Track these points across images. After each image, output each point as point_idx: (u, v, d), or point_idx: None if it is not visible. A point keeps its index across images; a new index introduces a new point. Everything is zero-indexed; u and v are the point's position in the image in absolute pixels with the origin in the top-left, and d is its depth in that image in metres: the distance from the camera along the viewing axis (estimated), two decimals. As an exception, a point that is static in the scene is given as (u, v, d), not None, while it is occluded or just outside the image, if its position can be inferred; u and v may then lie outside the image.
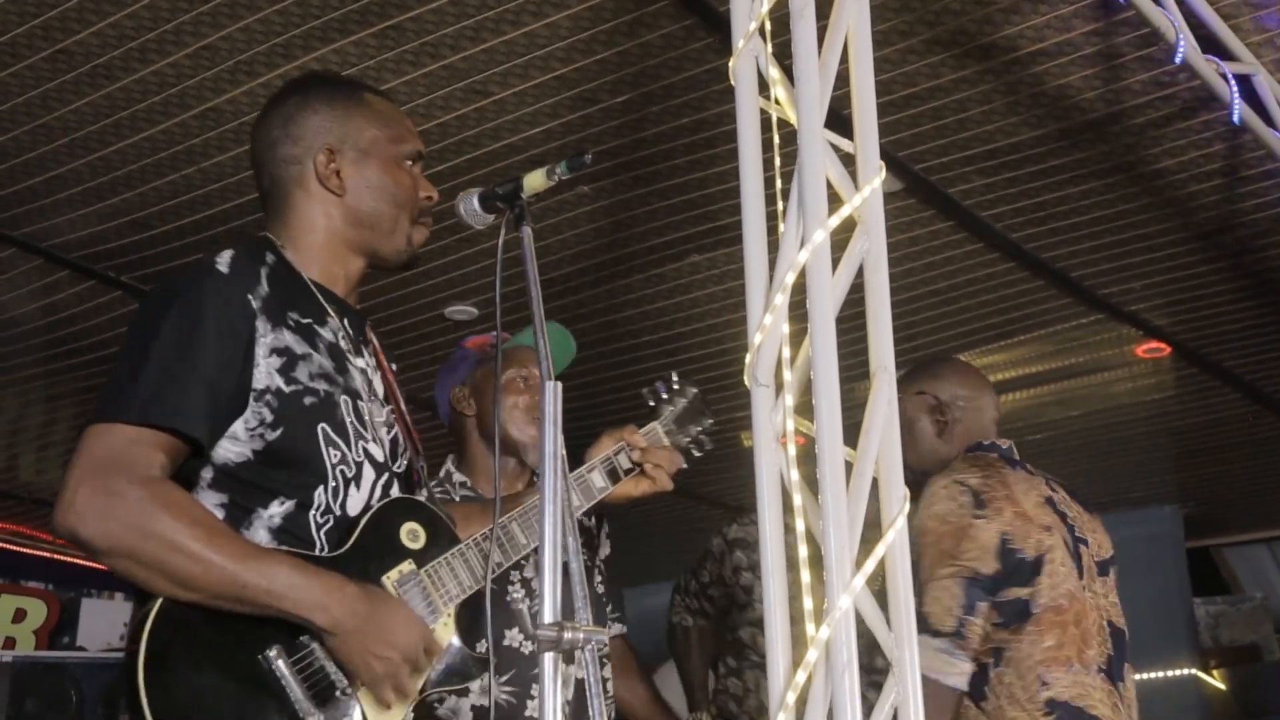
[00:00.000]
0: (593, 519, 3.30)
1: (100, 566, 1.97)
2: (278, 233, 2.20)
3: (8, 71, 3.66)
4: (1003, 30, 3.54)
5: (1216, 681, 8.05)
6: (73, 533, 1.88)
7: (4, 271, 4.73)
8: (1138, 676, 3.23)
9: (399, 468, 2.21)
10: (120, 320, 5.10)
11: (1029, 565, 2.92)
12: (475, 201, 2.15)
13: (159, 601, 1.90)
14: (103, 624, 7.58)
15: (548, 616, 1.79)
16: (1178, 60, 3.29)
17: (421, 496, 2.25)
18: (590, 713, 1.82)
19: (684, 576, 4.31)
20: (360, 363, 2.19)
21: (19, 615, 7.65)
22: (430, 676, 2.10)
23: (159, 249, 4.59)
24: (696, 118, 3.89)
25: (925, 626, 2.81)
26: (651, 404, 2.77)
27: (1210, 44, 3.46)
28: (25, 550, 7.74)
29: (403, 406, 2.26)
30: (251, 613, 1.92)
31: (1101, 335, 5.41)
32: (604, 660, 3.31)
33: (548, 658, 1.78)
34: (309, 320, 2.11)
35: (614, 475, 2.52)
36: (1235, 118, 3.54)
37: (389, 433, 2.20)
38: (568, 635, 1.78)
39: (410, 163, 2.27)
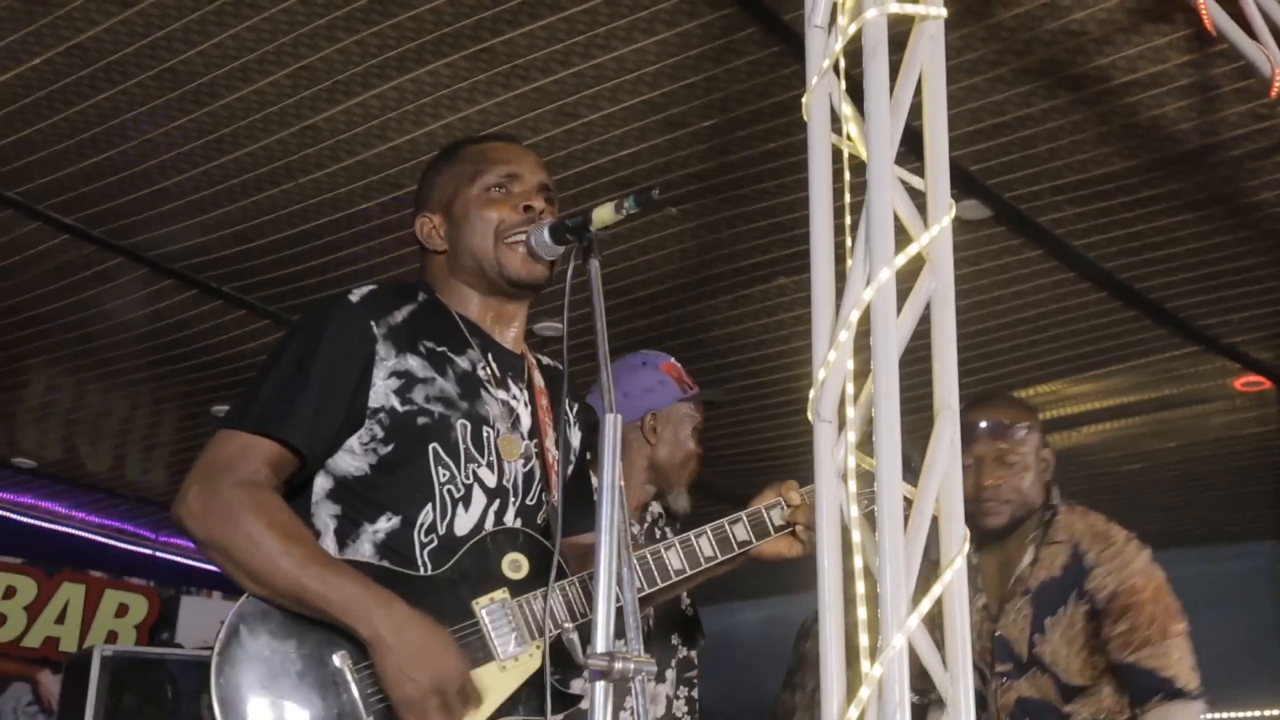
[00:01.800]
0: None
1: (200, 565, 2.12)
2: (428, 280, 2.37)
3: (118, 89, 3.79)
4: (1094, 61, 3.51)
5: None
6: (181, 523, 2.09)
7: (112, 279, 4.89)
8: (1230, 715, 3.22)
9: (530, 500, 2.27)
10: (222, 327, 5.25)
11: None
12: (546, 234, 2.20)
13: (244, 598, 2.05)
14: (201, 622, 7.75)
15: (600, 646, 1.82)
16: (1273, 95, 3.24)
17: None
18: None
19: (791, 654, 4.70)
20: (503, 395, 2.27)
21: (121, 610, 7.86)
22: (504, 703, 2.10)
23: (257, 260, 4.72)
24: (784, 142, 3.91)
25: (1175, 692, 2.87)
26: None
27: (1309, 77, 3.40)
28: (129, 546, 7.94)
29: (548, 444, 2.32)
30: (312, 615, 2.03)
31: (1198, 368, 5.32)
32: (693, 681, 3.33)
33: (598, 687, 1.81)
34: (444, 349, 2.23)
35: (762, 530, 2.42)
36: (1333, 152, 3.47)
37: (525, 465, 2.27)
38: (618, 665, 1.81)
39: (497, 189, 2.31)
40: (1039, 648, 3.09)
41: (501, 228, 2.27)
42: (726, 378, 5.51)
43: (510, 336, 2.35)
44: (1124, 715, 3.02)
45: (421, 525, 2.15)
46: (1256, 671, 6.93)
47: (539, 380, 2.37)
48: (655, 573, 2.29)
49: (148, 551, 7.94)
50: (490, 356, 2.29)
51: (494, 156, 2.36)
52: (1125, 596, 2.99)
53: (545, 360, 2.45)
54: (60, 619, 7.64)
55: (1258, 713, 7.16)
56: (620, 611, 1.88)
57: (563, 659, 2.14)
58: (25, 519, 7.56)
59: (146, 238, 4.60)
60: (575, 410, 2.47)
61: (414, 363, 2.19)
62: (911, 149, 2.30)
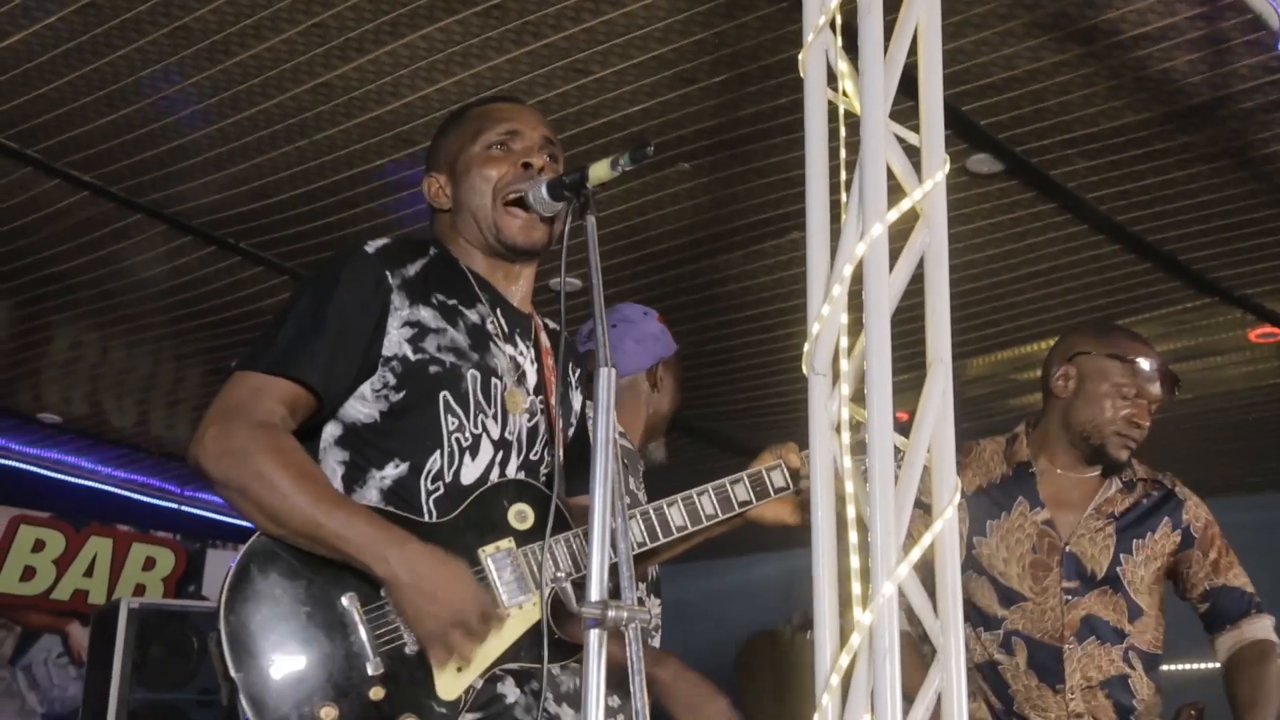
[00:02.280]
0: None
1: (226, 519, 2.16)
2: (437, 237, 2.41)
3: (132, 47, 3.83)
4: (1104, 14, 3.50)
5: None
6: (197, 462, 2.14)
7: (132, 236, 4.94)
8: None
9: (533, 455, 2.32)
10: (240, 284, 5.30)
11: None
12: (544, 190, 2.23)
13: (254, 537, 2.09)
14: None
15: (594, 595, 1.86)
16: (1280, 48, 3.24)
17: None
18: (631, 688, 1.88)
19: None
20: (510, 350, 2.32)
21: (149, 564, 7.96)
22: (507, 650, 2.16)
23: (275, 217, 4.76)
24: (793, 97, 3.88)
25: (1261, 605, 3.34)
26: None
27: (1319, 29, 3.39)
28: (156, 501, 8.04)
29: (553, 402, 2.37)
30: (327, 555, 2.07)
31: (1212, 319, 5.31)
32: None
33: (593, 634, 1.86)
34: (454, 302, 2.28)
35: (762, 491, 2.43)
36: (1343, 105, 3.46)
37: (530, 420, 2.32)
38: (612, 614, 1.85)
39: (499, 146, 2.34)
40: (1122, 567, 3.29)
41: (499, 185, 2.31)
42: (739, 332, 5.54)
43: (518, 295, 2.39)
44: (1160, 649, 3.33)
45: (429, 473, 2.19)
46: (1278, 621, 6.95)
47: (545, 341, 2.41)
48: (658, 527, 2.32)
49: (174, 506, 8.04)
50: (499, 311, 2.34)
51: (496, 115, 2.40)
52: (1212, 527, 3.36)
53: (551, 324, 2.48)
54: (89, 572, 7.75)
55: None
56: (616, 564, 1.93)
57: (563, 609, 2.19)
58: (53, 474, 7.65)
59: (164, 195, 4.64)
60: (578, 375, 2.51)
61: (426, 314, 2.24)
62: (913, 106, 2.32)
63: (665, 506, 2.35)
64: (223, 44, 3.81)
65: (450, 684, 2.11)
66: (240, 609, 2.04)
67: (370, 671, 2.06)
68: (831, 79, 2.38)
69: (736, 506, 2.41)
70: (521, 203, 2.30)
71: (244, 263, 5.12)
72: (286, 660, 2.04)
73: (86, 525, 7.81)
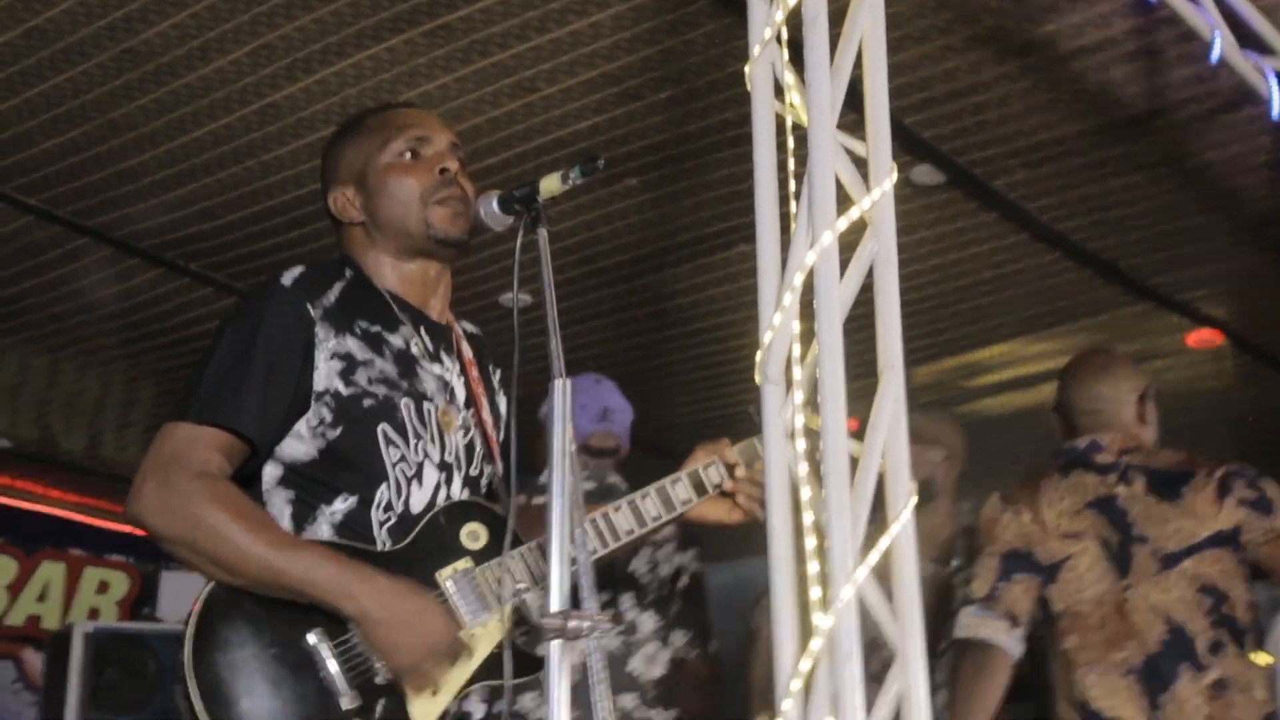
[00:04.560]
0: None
1: None
2: (350, 254, 2.37)
3: (78, 70, 3.82)
4: (1042, 28, 3.57)
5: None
6: (139, 520, 2.09)
7: (80, 259, 4.92)
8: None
9: (473, 471, 2.32)
10: (190, 305, 5.28)
11: (1046, 568, 3.17)
12: (494, 204, 2.22)
13: (210, 584, 2.06)
14: (182, 596, 7.67)
15: (554, 605, 1.88)
16: (1213, 59, 3.31)
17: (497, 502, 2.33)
18: (592, 699, 1.90)
19: None
20: (436, 369, 2.31)
21: (102, 587, 7.87)
22: (477, 670, 2.17)
23: (224, 238, 4.75)
24: (739, 112, 3.89)
25: (966, 602, 3.23)
26: (757, 419, 2.64)
27: (1251, 39, 3.47)
28: (108, 525, 7.94)
29: (485, 414, 2.37)
30: (288, 598, 2.05)
31: (1150, 324, 5.41)
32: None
33: (554, 646, 1.87)
34: (378, 328, 2.25)
35: (700, 489, 2.44)
36: (1275, 114, 3.54)
37: (465, 436, 2.31)
38: (572, 624, 1.87)
39: (409, 155, 2.33)
40: None
41: (424, 193, 2.29)
42: (690, 345, 5.58)
43: (437, 307, 2.37)
44: None
45: (379, 504, 2.18)
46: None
47: (467, 352, 2.40)
48: (606, 534, 2.34)
49: (127, 529, 7.94)
50: (422, 330, 2.32)
51: (399, 122, 2.37)
52: None
53: (469, 328, 2.47)
54: (42, 598, 7.65)
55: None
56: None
57: (527, 623, 2.20)
58: (3, 499, 7.57)
59: (112, 217, 4.62)
60: (499, 377, 2.50)
61: (353, 344, 2.21)
62: (859, 117, 2.36)
63: (611, 512, 2.37)
64: (169, 66, 3.81)
65: (425, 710, 2.12)
66: (207, 659, 2.01)
67: (345, 705, 2.05)
68: (778, 92, 2.42)
69: (679, 506, 2.42)
70: (447, 199, 2.29)
71: (193, 284, 5.11)
72: (260, 705, 2.02)
73: (38, 550, 7.72)
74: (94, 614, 7.70)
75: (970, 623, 3.18)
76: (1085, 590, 3.12)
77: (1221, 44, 3.27)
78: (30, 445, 6.96)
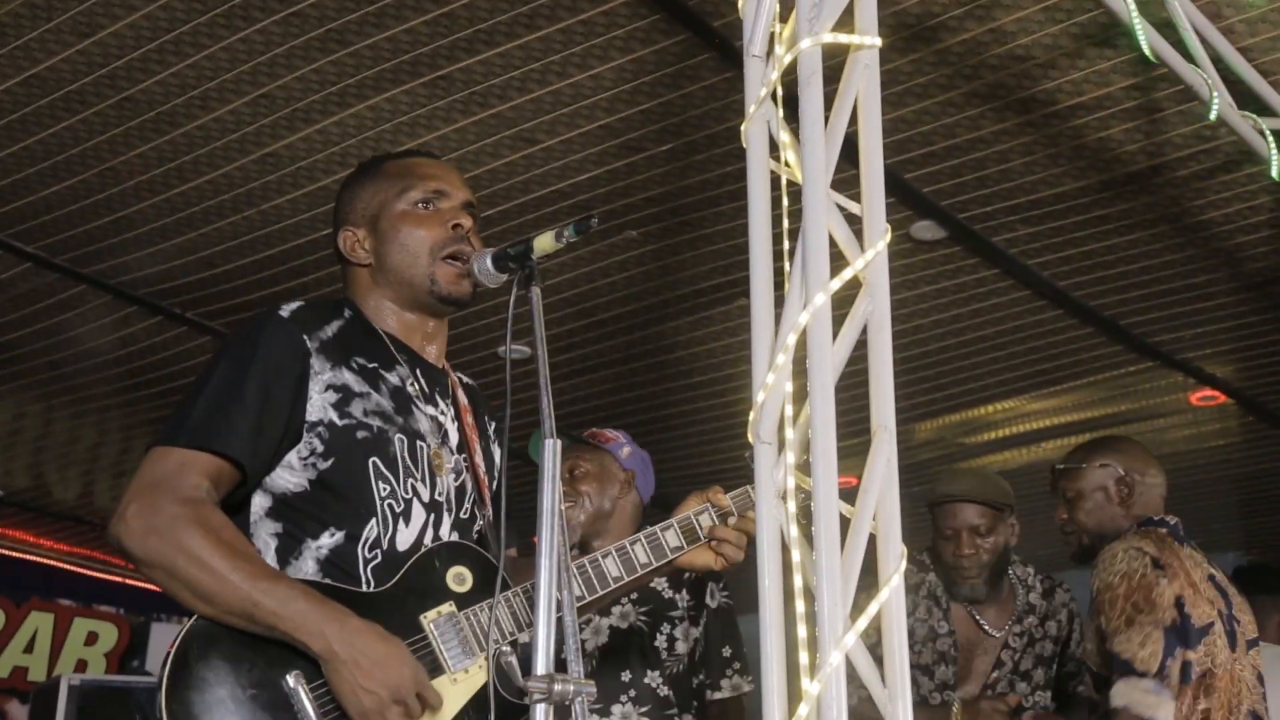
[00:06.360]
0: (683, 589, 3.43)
1: None
2: (351, 295, 2.38)
3: (77, 118, 3.82)
4: (1041, 84, 3.57)
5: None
6: (119, 543, 2.06)
7: (76, 307, 4.91)
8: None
9: (463, 514, 2.30)
10: (187, 354, 5.26)
11: (1196, 631, 3.17)
12: (488, 261, 2.22)
13: (190, 621, 2.03)
14: (173, 648, 7.70)
15: (540, 668, 1.85)
16: (1211, 118, 3.30)
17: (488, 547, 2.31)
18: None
19: None
20: (431, 410, 2.30)
21: (91, 639, 7.81)
22: (456, 715, 2.12)
23: (222, 286, 4.74)
24: (739, 166, 3.92)
25: (1129, 670, 3.12)
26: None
27: (1249, 99, 3.46)
28: (98, 574, 7.89)
29: (477, 459, 2.36)
30: (262, 633, 2.03)
31: (1154, 383, 5.39)
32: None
33: (539, 709, 1.84)
34: (375, 365, 2.26)
35: (692, 536, 2.43)
36: (1275, 173, 3.53)
37: (456, 479, 2.30)
38: (558, 688, 1.84)
39: (424, 205, 2.33)
40: None
41: (434, 246, 2.30)
42: (687, 398, 5.56)
43: (434, 353, 2.38)
44: None
45: (366, 541, 2.16)
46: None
47: (463, 398, 2.40)
48: (595, 580, 2.33)
49: (118, 579, 7.90)
50: (418, 372, 2.32)
51: (420, 172, 2.38)
52: (1098, 595, 3.32)
53: (465, 379, 2.48)
54: (29, 648, 7.58)
55: None
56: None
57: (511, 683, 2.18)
58: (-8, 548, 7.54)
59: (109, 265, 4.62)
60: (494, 427, 2.50)
61: (349, 377, 2.21)
62: (856, 174, 2.35)
63: (600, 559, 2.36)
64: (169, 115, 3.81)
65: None
66: (183, 697, 1.98)
67: None
68: (774, 149, 2.40)
69: (669, 553, 2.42)
70: (457, 257, 2.30)
71: (190, 332, 5.10)
72: None
73: (27, 600, 7.67)
74: (81, 666, 7.64)
75: (1147, 701, 3.12)
76: (1218, 654, 3.19)
77: (1219, 103, 3.26)
78: (22, 493, 6.91)
